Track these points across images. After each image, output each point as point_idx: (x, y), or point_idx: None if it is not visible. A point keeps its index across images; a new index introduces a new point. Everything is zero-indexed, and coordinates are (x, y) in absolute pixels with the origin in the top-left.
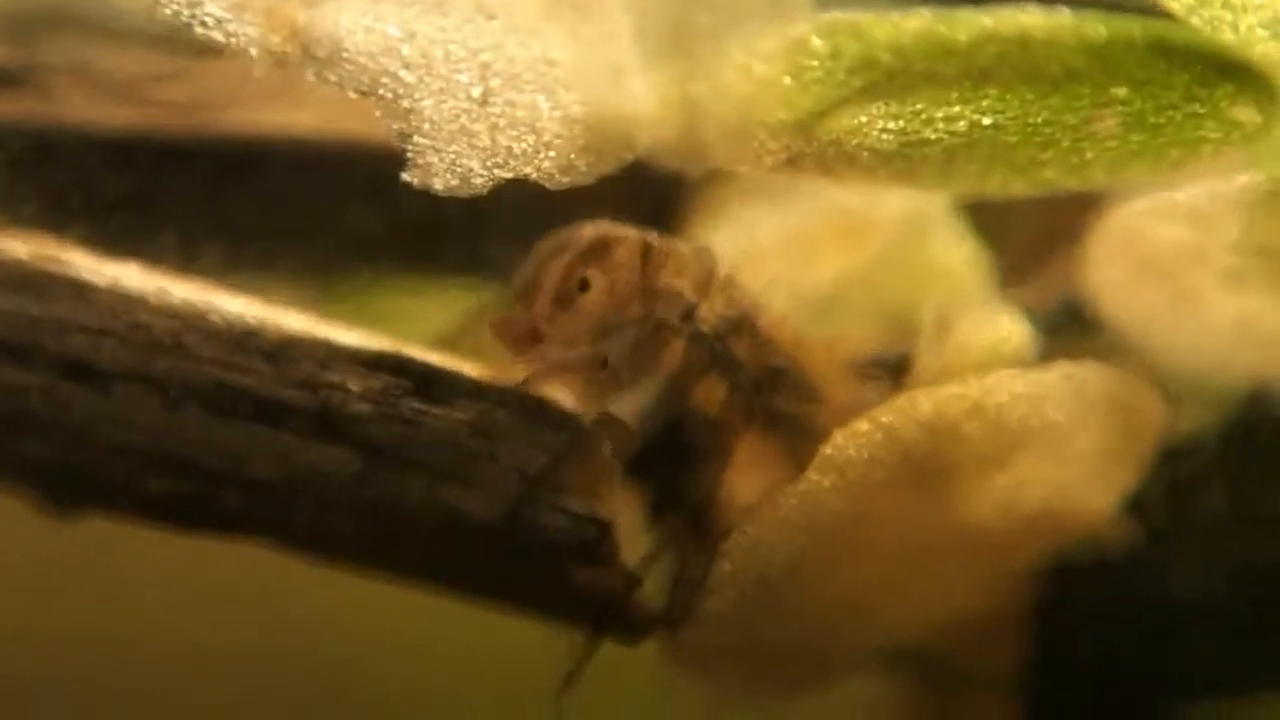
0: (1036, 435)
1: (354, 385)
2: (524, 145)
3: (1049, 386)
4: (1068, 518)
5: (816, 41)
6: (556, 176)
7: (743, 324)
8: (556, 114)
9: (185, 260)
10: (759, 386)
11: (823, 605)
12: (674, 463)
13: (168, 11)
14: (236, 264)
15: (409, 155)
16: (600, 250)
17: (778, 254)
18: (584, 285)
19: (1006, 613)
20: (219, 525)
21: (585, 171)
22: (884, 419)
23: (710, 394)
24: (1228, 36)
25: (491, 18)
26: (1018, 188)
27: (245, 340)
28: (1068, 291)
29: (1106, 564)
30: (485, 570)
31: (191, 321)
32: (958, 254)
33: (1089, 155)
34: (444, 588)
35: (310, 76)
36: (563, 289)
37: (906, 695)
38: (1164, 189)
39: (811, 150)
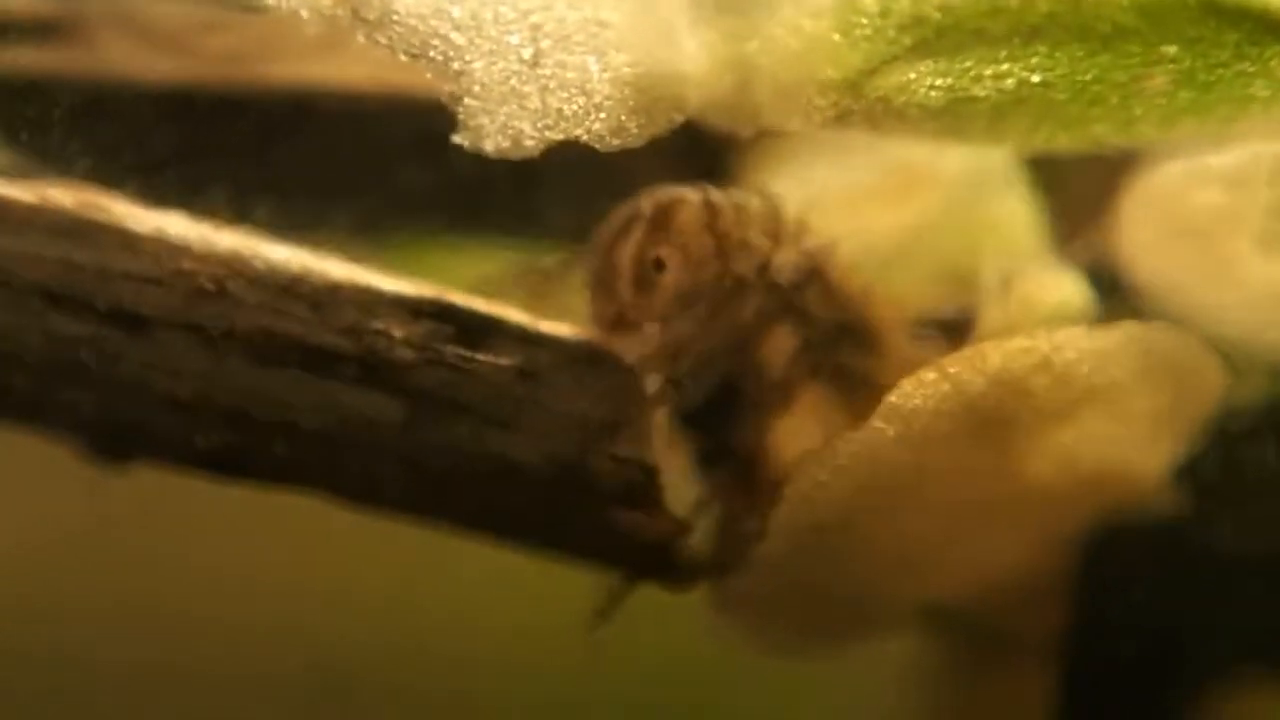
0: (1100, 393)
1: (398, 331)
2: (575, 107)
3: (1115, 345)
4: (1123, 478)
5: None
6: (607, 138)
7: (816, 274)
8: (607, 75)
9: (235, 215)
10: (828, 339)
11: (874, 557)
12: (729, 412)
13: None
14: (285, 220)
15: (460, 117)
16: (664, 221)
17: (838, 208)
18: (659, 264)
19: (1053, 575)
20: (265, 475)
21: (636, 133)
22: (952, 370)
23: (779, 346)
24: None
25: None
26: (1065, 144)
27: (290, 287)
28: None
29: (1152, 528)
30: (533, 515)
31: (236, 268)
32: (1018, 211)
33: (1138, 112)
34: (491, 534)
35: (360, 39)
36: (639, 273)
37: (942, 657)
38: (1210, 148)
39: (860, 107)
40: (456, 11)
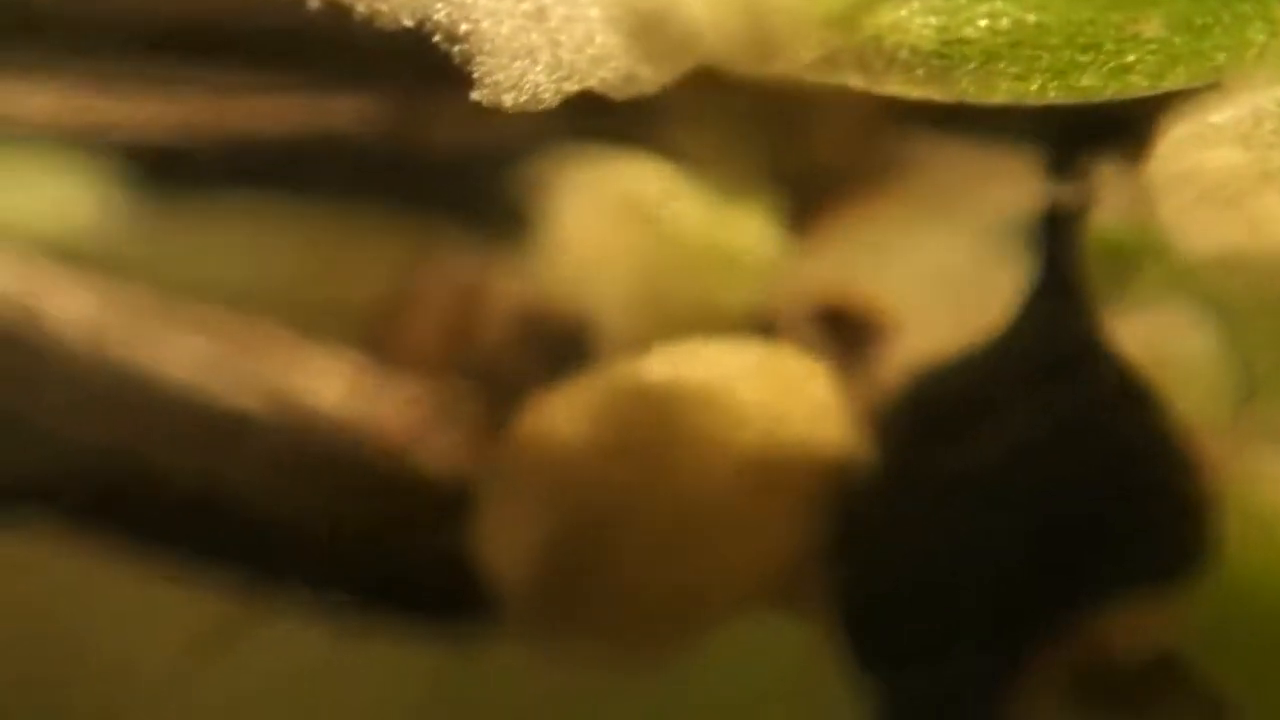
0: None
1: None
2: (584, 57)
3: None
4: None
5: None
6: (620, 87)
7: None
8: (614, 24)
9: None
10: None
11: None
12: None
13: None
14: None
15: (475, 76)
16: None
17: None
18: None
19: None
20: None
21: (648, 80)
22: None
23: None
24: None
25: None
26: (1056, 93)
27: None
28: None
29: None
30: None
31: None
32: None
33: (1130, 59)
34: None
35: (361, 8)
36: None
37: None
38: (1203, 99)
39: (850, 47)
40: None
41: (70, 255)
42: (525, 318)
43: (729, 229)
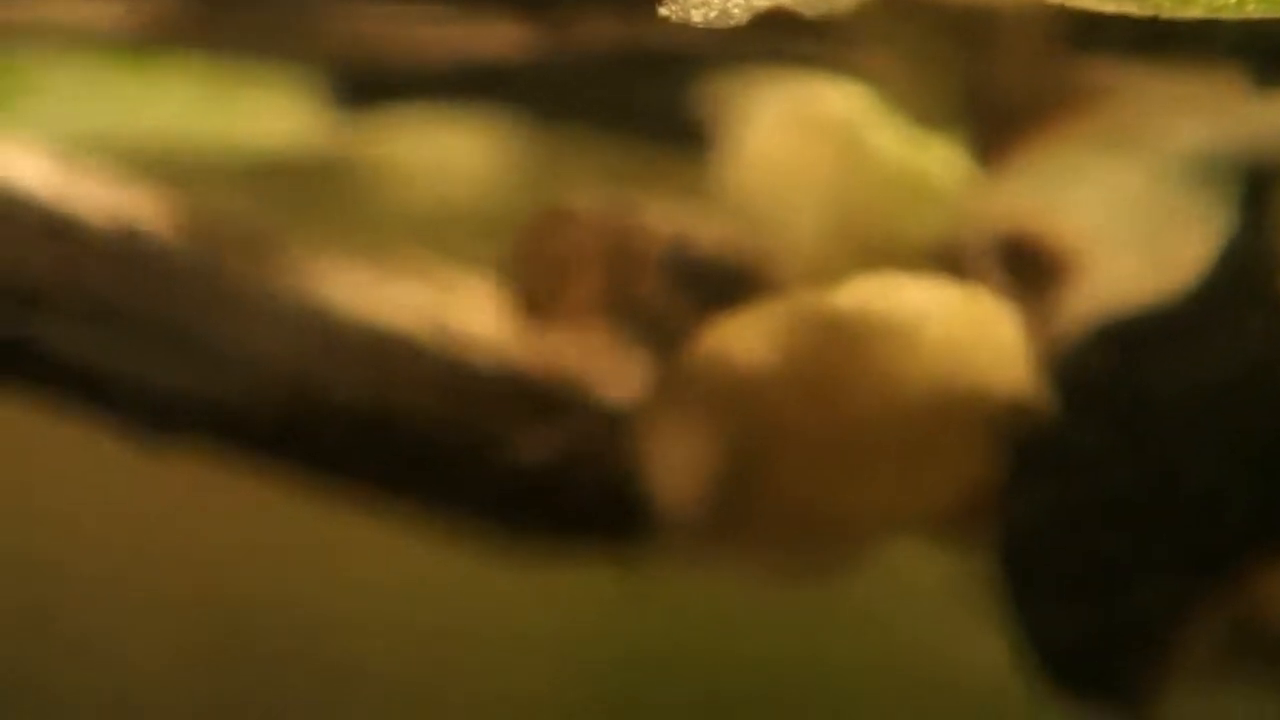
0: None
1: None
2: None
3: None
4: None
5: None
6: (815, 5)
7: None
8: None
9: None
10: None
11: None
12: None
13: None
14: None
15: None
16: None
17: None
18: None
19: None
20: None
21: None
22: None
23: None
24: None
25: None
26: (1256, 7)
27: None
28: None
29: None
30: None
31: None
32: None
33: None
34: None
35: None
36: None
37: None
38: None
39: None
40: None
41: (280, 168)
42: (692, 248)
43: (922, 157)
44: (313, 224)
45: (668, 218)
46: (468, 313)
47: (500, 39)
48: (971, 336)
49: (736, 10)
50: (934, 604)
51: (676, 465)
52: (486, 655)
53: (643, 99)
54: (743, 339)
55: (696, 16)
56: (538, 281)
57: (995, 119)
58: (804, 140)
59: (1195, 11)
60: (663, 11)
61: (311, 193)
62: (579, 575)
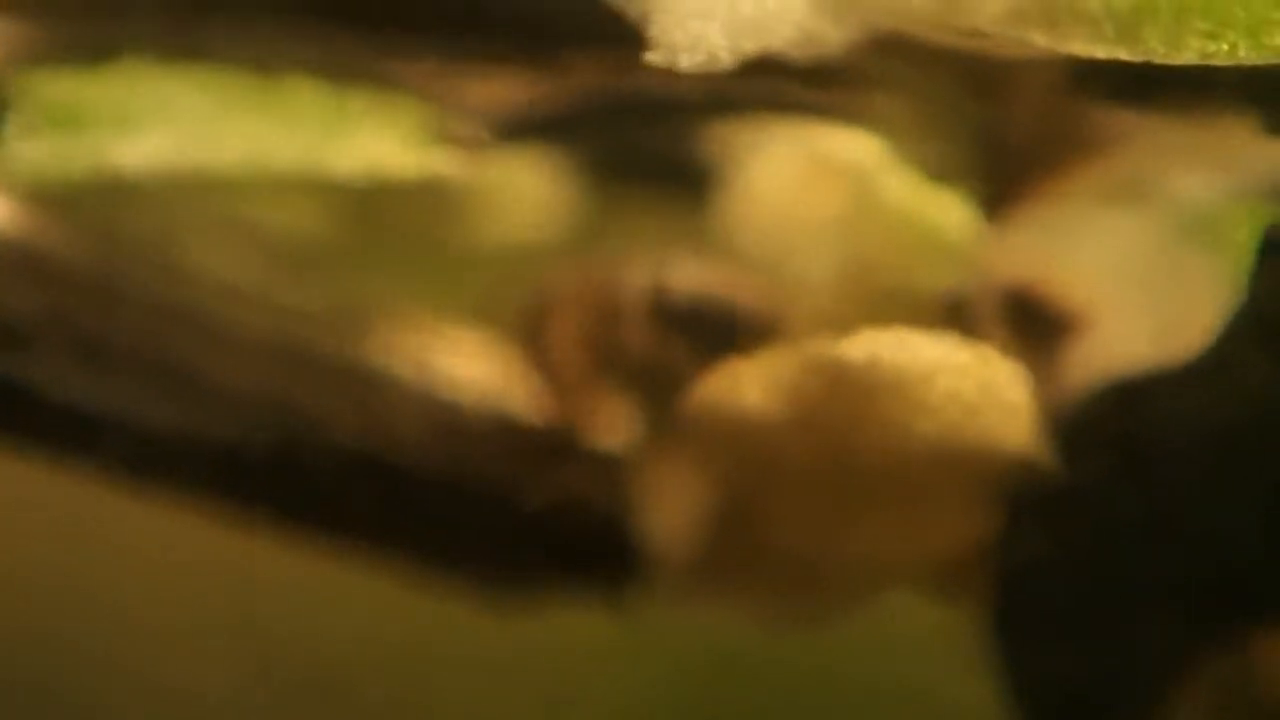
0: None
1: None
2: (764, 14)
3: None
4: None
5: None
6: (802, 45)
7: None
8: None
9: None
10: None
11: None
12: None
13: None
14: None
15: (653, 36)
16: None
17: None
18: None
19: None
20: None
21: (834, 40)
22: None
23: None
24: None
25: None
26: (1248, 52)
27: None
28: None
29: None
30: None
31: None
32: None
33: None
34: None
35: None
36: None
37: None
38: None
39: (1037, 1)
40: None
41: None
42: (686, 293)
43: (931, 206)
44: None
45: (656, 263)
46: (460, 356)
47: (497, 91)
48: (979, 395)
49: (724, 55)
50: (924, 652)
51: (672, 510)
52: (486, 703)
53: (645, 145)
54: (745, 386)
55: (684, 61)
56: (524, 326)
57: (1001, 169)
58: (813, 186)
59: (1188, 57)
60: (650, 57)
61: None
62: (573, 620)
